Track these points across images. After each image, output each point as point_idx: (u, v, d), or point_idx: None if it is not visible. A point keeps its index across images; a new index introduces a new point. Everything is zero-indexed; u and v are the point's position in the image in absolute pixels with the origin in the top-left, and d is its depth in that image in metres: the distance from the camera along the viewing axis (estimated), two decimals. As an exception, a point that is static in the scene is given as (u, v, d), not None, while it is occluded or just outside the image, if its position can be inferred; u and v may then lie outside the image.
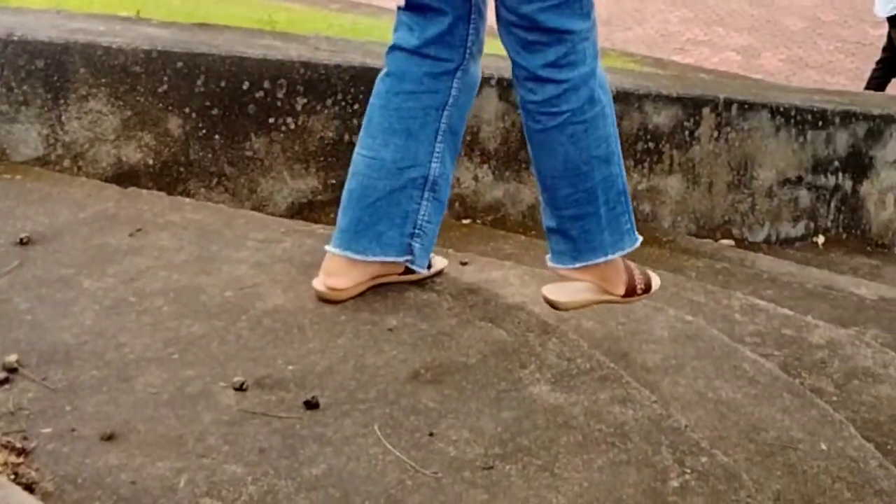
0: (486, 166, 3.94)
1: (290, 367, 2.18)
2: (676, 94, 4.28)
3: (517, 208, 4.05)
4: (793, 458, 2.29)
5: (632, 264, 2.60)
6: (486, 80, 3.82)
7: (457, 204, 3.91)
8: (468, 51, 2.37)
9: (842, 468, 2.27)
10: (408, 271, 2.49)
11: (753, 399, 2.49)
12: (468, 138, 3.86)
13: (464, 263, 2.99)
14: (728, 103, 4.45)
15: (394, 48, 2.38)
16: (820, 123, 4.79)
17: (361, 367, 2.20)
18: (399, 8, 2.35)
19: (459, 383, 2.18)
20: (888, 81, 8.71)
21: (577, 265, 2.48)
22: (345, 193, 2.42)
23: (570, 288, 2.56)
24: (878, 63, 8.87)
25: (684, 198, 4.45)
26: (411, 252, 2.44)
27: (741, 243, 4.61)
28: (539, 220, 4.11)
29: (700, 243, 4.30)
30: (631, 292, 2.57)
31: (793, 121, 4.69)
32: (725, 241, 4.60)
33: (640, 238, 2.54)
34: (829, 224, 5.02)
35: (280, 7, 10.21)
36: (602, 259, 2.47)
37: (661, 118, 4.26)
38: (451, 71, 2.37)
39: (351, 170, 2.42)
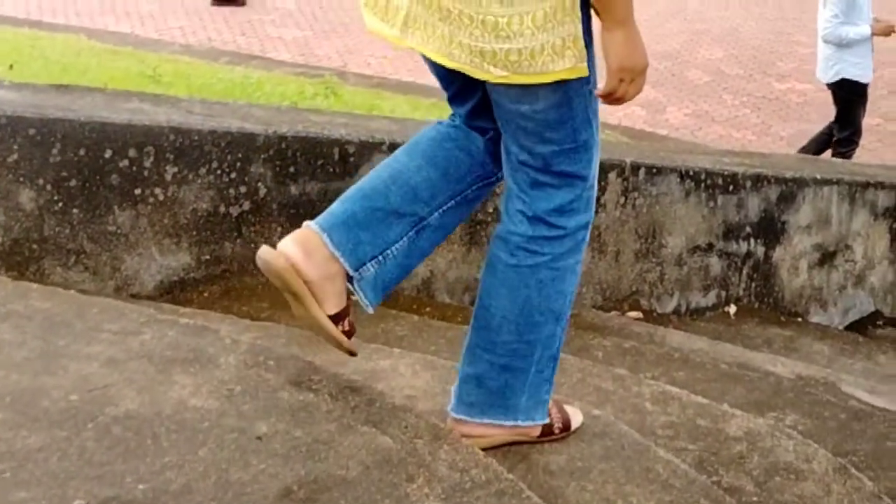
0: (377, 238, 3.72)
1: (141, 487, 1.94)
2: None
3: (411, 282, 3.84)
4: (713, 578, 2.10)
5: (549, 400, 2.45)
6: (377, 145, 3.62)
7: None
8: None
9: (767, 589, 2.09)
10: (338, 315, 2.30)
11: (668, 507, 2.30)
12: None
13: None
14: (635, 167, 4.31)
15: (455, 116, 2.43)
16: (731, 187, 4.67)
17: (225, 485, 1.96)
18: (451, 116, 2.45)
19: (337, 501, 1.96)
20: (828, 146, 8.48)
21: (485, 420, 2.37)
22: (353, 188, 2.34)
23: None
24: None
25: (590, 268, 4.28)
26: (361, 272, 2.28)
27: (650, 315, 4.46)
28: (435, 297, 3.95)
29: (607, 318, 4.13)
30: (547, 433, 2.45)
31: (703, 185, 4.56)
32: (633, 314, 4.44)
33: (548, 420, 2.43)
34: (740, 293, 4.90)
35: (168, 59, 9.96)
36: (510, 423, 2.38)
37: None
38: (490, 174, 2.40)
39: (372, 172, 2.36)
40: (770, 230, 4.88)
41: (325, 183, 3.53)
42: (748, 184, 4.72)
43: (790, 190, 4.88)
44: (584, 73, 2.13)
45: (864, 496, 2.62)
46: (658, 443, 2.71)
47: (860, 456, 3.02)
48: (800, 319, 5.23)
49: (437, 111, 7.28)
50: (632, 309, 4.48)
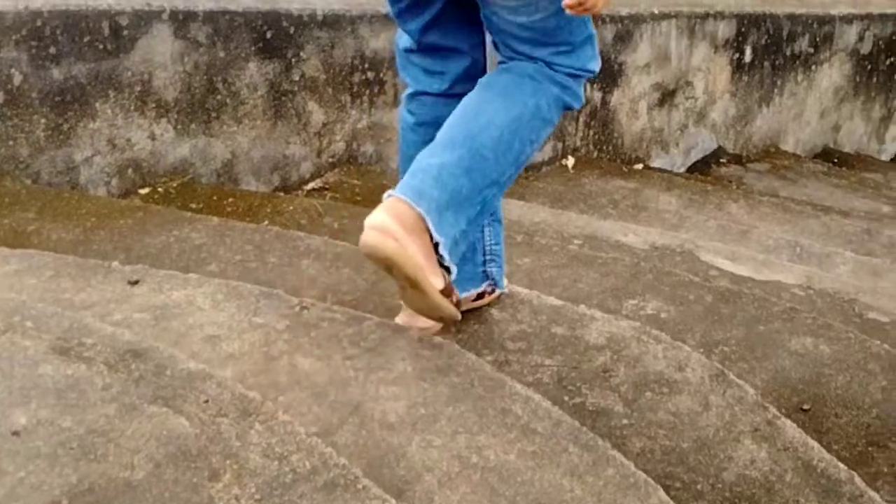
0: (164, 120, 3.25)
1: None
2: (396, 12, 3.68)
3: (209, 167, 3.40)
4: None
5: None
6: (156, 15, 3.12)
7: (130, 171, 3.22)
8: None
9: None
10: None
11: (531, 460, 1.97)
12: (138, 89, 3.15)
13: (133, 283, 2.34)
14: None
15: (417, 94, 2.34)
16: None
17: (-32, 509, 1.55)
18: (408, 51, 2.31)
19: (122, 516, 1.56)
20: None
21: (427, 216, 2.12)
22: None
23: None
24: None
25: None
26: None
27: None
28: (239, 177, 3.52)
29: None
30: (448, 293, 2.24)
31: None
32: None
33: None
34: (577, 143, 4.58)
35: None
36: (443, 239, 2.15)
37: (381, 42, 3.66)
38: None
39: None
40: (607, 73, 4.55)
41: (95, 63, 3.03)
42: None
43: (626, 28, 4.54)
44: None
45: (746, 407, 2.35)
46: (510, 361, 2.39)
47: (731, 345, 2.77)
48: (641, 166, 4.97)
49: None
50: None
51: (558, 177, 4.45)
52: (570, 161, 4.58)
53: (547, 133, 2.31)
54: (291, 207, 3.25)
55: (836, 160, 6.19)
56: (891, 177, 6.12)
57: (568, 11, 2.09)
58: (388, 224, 2.09)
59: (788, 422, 2.31)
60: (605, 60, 4.50)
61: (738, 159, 5.45)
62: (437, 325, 2.38)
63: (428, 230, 2.12)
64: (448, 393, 2.11)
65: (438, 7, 2.23)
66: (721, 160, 5.44)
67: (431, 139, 2.24)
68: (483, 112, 2.20)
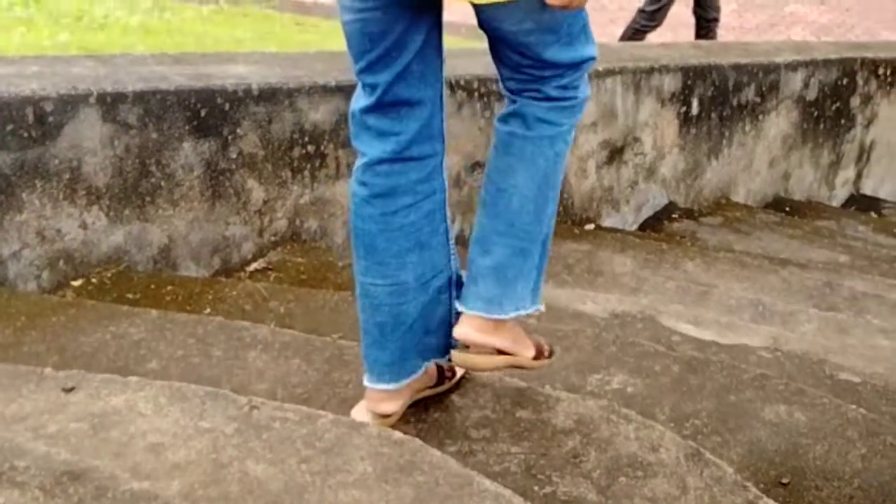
0: (95, 208, 3.13)
1: None
2: (335, 84, 3.59)
3: (145, 254, 3.27)
4: None
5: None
6: (83, 98, 3.00)
7: (61, 262, 3.09)
8: (444, 135, 2.29)
9: None
10: (439, 380, 2.47)
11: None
12: (67, 177, 3.03)
13: (68, 390, 2.21)
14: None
15: (371, 164, 2.25)
16: (507, 92, 4.23)
17: None
18: (365, 112, 2.22)
19: None
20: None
21: (507, 316, 2.31)
22: (371, 326, 2.31)
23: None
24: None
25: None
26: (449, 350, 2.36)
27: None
28: (178, 263, 3.40)
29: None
30: (539, 354, 2.46)
31: (476, 94, 4.10)
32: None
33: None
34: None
35: None
36: (524, 311, 2.35)
37: (320, 115, 3.56)
38: (438, 165, 2.30)
39: (368, 301, 2.30)
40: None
41: (19, 152, 2.91)
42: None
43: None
44: None
45: (725, 488, 2.26)
46: (475, 451, 2.28)
47: (703, 418, 2.68)
48: (592, 226, 4.89)
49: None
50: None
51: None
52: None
53: (567, 157, 2.37)
54: (234, 293, 3.13)
55: (788, 209, 6.16)
56: (844, 223, 6.09)
57: (551, 6, 2.09)
58: (475, 339, 2.31)
59: (771, 501, 2.22)
60: (551, 121, 4.43)
61: (689, 214, 5.39)
62: (398, 414, 2.35)
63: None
64: (413, 495, 2.00)
65: (411, 55, 2.18)
66: (673, 215, 5.38)
67: (389, 212, 2.26)
68: (513, 192, 2.26)
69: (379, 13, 2.10)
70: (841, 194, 6.93)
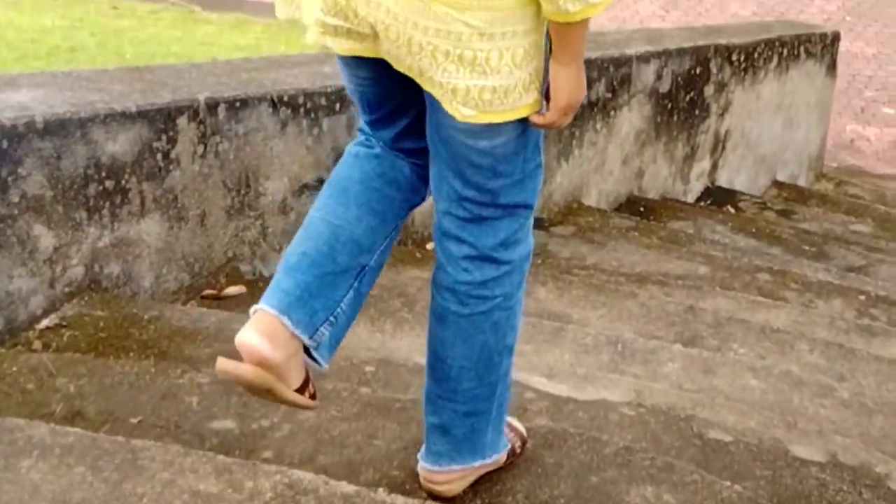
0: None
1: None
2: (136, 109, 3.20)
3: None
4: None
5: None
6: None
7: None
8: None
9: None
10: (303, 385, 2.23)
11: None
12: None
13: None
14: (212, 106, 3.43)
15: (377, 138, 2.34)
16: (338, 106, 3.89)
17: None
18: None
19: None
20: None
21: (453, 468, 2.39)
22: (296, 255, 2.23)
23: None
24: None
25: (168, 242, 3.42)
26: (317, 339, 2.21)
27: (255, 286, 3.65)
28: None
29: (199, 316, 3.28)
30: (511, 455, 2.53)
31: (302, 110, 3.75)
32: (233, 289, 3.62)
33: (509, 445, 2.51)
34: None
35: None
36: (478, 463, 2.42)
37: (119, 145, 3.17)
38: (423, 189, 2.36)
39: (305, 233, 2.26)
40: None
41: None
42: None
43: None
44: (540, 104, 2.10)
45: None
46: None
47: (561, 508, 2.40)
48: (432, 245, 4.59)
49: None
50: (231, 281, 3.67)
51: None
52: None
53: (519, 315, 2.37)
54: (15, 368, 2.74)
55: (642, 209, 5.96)
56: (701, 223, 5.92)
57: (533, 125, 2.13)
58: (442, 490, 2.41)
59: None
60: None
61: (539, 223, 5.13)
62: (271, 366, 2.15)
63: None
64: None
65: (411, 118, 2.26)
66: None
67: (378, 173, 2.29)
68: (452, 363, 2.31)
69: (374, 88, 2.21)
70: (696, 188, 6.79)
